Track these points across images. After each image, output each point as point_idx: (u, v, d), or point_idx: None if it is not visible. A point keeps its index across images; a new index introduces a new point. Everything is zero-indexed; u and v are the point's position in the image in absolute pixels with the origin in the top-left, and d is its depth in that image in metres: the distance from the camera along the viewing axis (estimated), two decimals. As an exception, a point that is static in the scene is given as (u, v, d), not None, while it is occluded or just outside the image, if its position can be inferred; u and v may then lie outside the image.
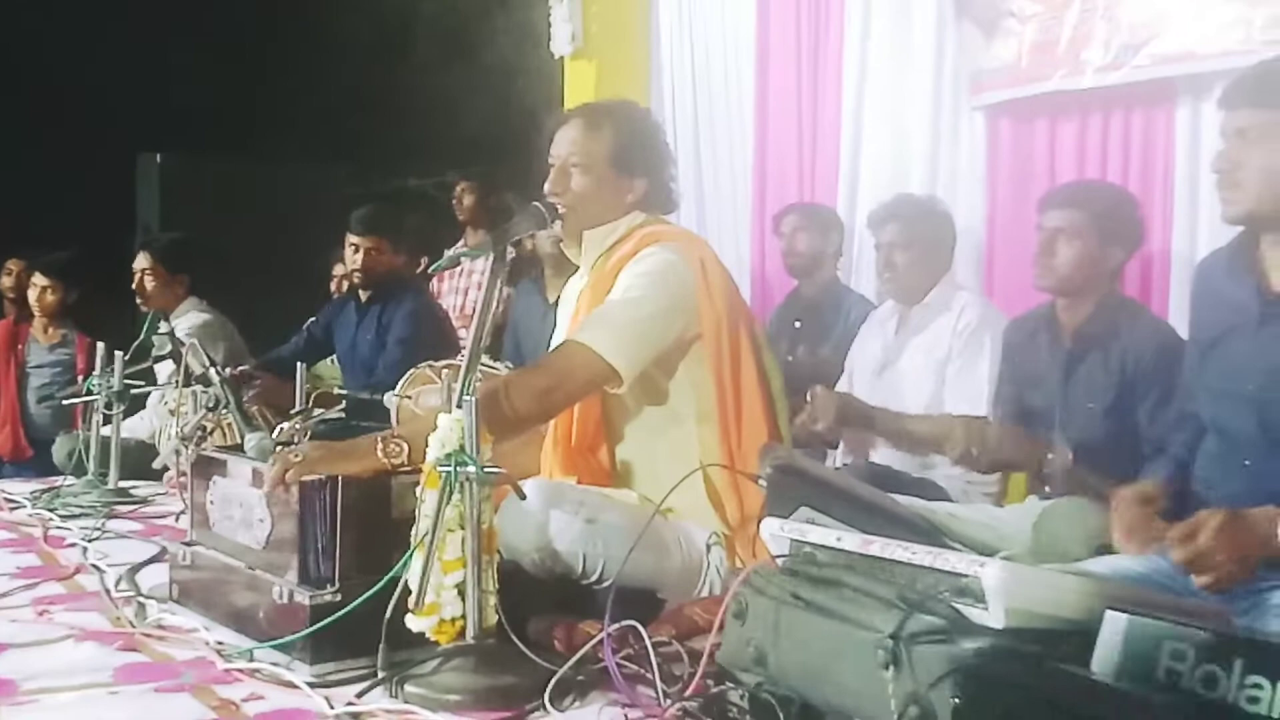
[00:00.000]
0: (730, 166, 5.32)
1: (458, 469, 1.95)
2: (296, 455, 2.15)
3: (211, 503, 2.43)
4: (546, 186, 2.58)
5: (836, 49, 4.79)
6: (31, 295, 5.44)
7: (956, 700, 1.31)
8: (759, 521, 1.98)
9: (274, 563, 2.19)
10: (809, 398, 3.31)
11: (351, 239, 4.60)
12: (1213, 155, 2.21)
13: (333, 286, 6.11)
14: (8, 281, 5.88)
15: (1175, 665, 1.28)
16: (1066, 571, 1.83)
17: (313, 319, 5.08)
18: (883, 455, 3.43)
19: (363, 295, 4.66)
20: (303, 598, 2.06)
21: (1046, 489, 2.73)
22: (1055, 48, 3.87)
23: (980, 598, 1.43)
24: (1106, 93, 3.79)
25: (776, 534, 1.81)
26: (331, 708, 1.87)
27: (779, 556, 1.79)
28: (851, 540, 1.66)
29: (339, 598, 2.04)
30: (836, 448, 3.67)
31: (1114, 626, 1.36)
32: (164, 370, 4.30)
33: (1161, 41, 3.59)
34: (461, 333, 4.92)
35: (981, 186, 4.22)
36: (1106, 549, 2.24)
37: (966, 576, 1.46)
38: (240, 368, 4.25)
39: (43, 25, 7.30)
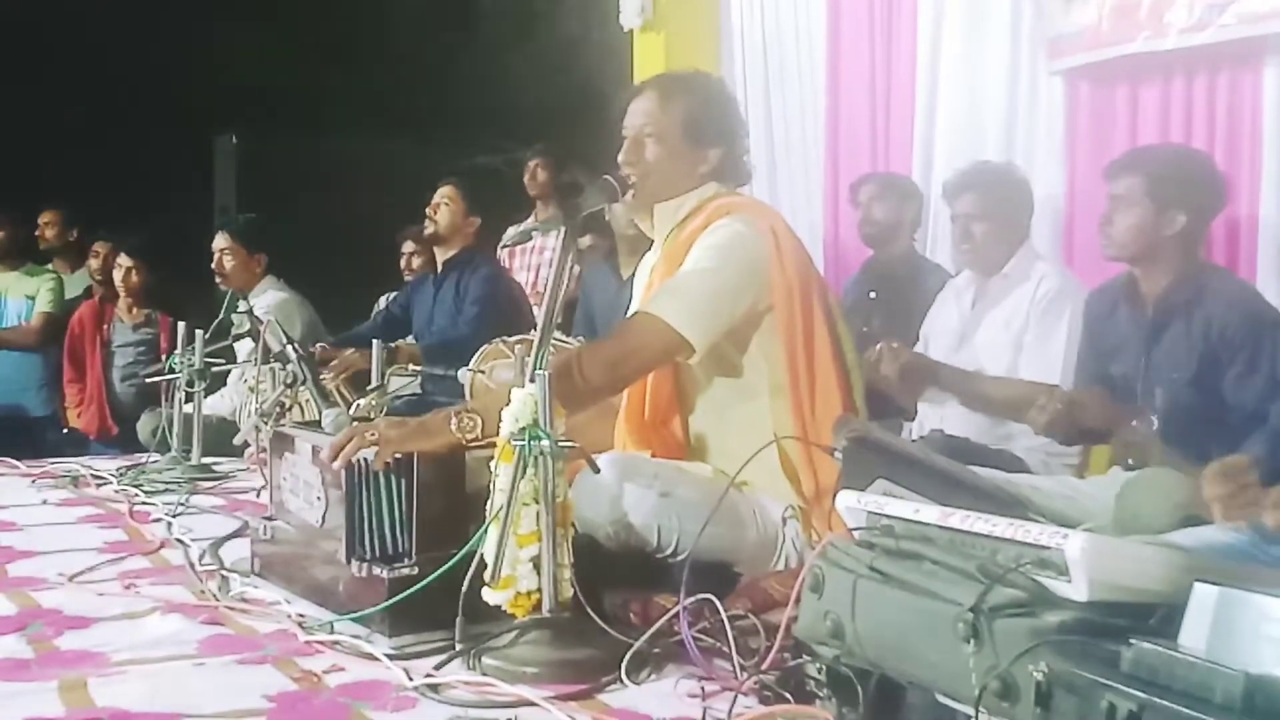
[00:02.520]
0: (803, 135, 5.26)
1: (531, 443, 1.96)
2: (372, 432, 2.17)
3: (284, 479, 2.47)
4: (620, 157, 2.58)
5: (910, 13, 4.72)
6: (116, 276, 5.55)
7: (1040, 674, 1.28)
8: (835, 494, 1.96)
9: (328, 541, 2.22)
10: (876, 351, 3.27)
11: (435, 196, 4.69)
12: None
13: (402, 264, 6.17)
14: (94, 264, 6.00)
15: (1268, 639, 1.25)
16: (1152, 542, 1.79)
17: (392, 296, 5.13)
18: (960, 427, 3.38)
19: (439, 264, 4.72)
20: (381, 571, 2.08)
21: (1130, 460, 2.67)
22: (1137, 9, 3.77)
23: (1063, 570, 1.40)
24: (1190, 54, 3.69)
25: (853, 506, 1.78)
26: (410, 679, 1.89)
27: (855, 529, 1.77)
28: (930, 512, 1.63)
29: (416, 571, 2.06)
30: (913, 419, 3.62)
31: (1203, 599, 1.32)
32: (244, 348, 4.38)
33: (1247, 0, 3.48)
34: (534, 309, 4.94)
35: (1060, 153, 4.13)
36: (1192, 520, 2.19)
37: (1049, 548, 1.43)
38: (319, 345, 4.31)
39: (115, 11, 7.42)
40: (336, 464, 2.17)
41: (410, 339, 4.87)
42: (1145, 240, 2.84)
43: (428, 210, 4.70)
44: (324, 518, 2.27)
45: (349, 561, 2.13)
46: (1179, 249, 2.85)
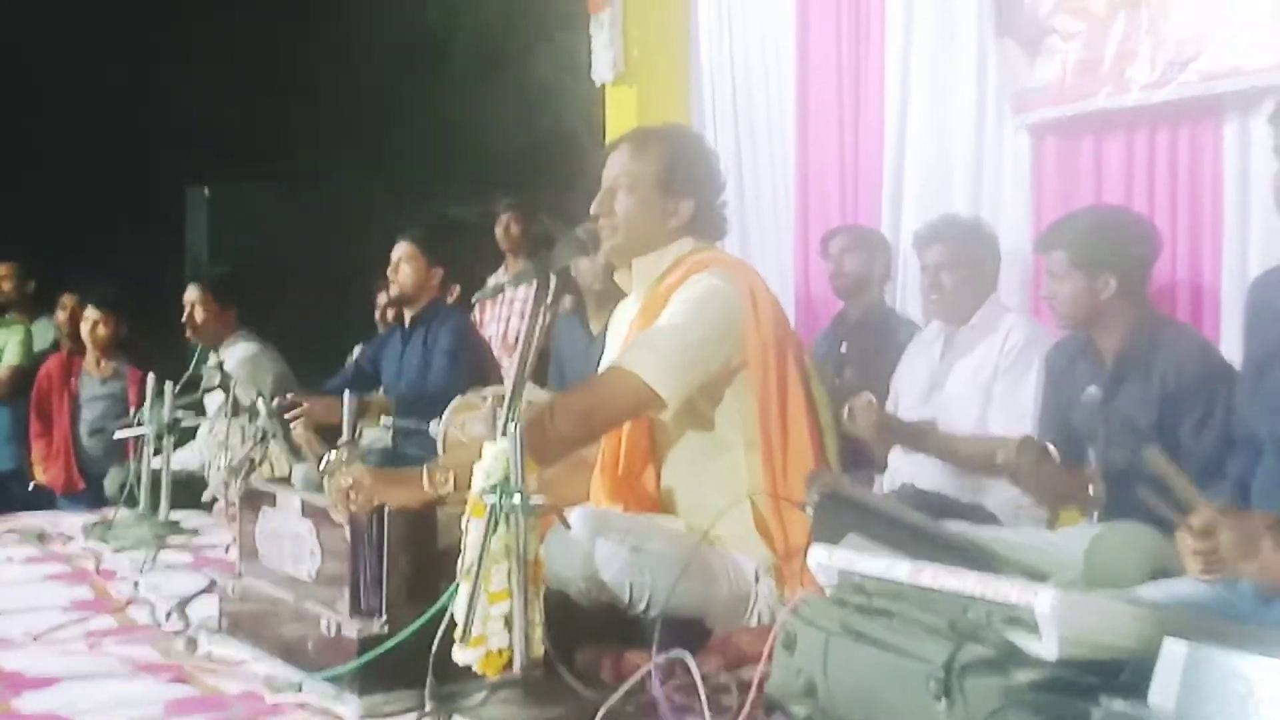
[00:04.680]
0: (773, 188, 5.31)
1: (503, 499, 1.95)
2: (347, 479, 2.16)
3: (260, 535, 2.45)
4: (592, 208, 2.59)
5: (878, 70, 4.77)
6: (84, 329, 5.49)
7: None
8: (806, 550, 1.96)
9: (324, 595, 2.20)
10: (846, 409, 3.29)
11: (394, 254, 4.67)
12: (1263, 172, 2.18)
13: (377, 315, 6.15)
14: (62, 316, 5.95)
15: (1237, 696, 1.25)
16: (1122, 598, 1.80)
17: (360, 350, 5.11)
18: (932, 481, 3.39)
19: (407, 318, 4.70)
20: (351, 630, 2.07)
21: (1094, 515, 2.69)
22: (1099, 65, 3.83)
23: (1034, 627, 1.41)
24: (1152, 110, 3.75)
25: (824, 562, 1.79)
26: (380, 740, 1.87)
27: (827, 586, 1.77)
28: (901, 568, 1.64)
29: (387, 629, 2.05)
30: (883, 471, 3.63)
31: (1173, 656, 1.33)
32: (214, 402, 4.34)
33: (1208, 58, 3.54)
34: (503, 361, 4.92)
35: (1027, 206, 4.18)
36: (1162, 574, 2.20)
37: (1019, 605, 1.43)
38: (289, 396, 4.28)
39: (88, 62, 7.42)
40: (341, 517, 2.15)
41: (380, 392, 4.85)
42: (1086, 307, 2.91)
43: (389, 272, 4.68)
44: (318, 571, 2.24)
45: (352, 615, 2.11)
46: (1123, 306, 2.90)
